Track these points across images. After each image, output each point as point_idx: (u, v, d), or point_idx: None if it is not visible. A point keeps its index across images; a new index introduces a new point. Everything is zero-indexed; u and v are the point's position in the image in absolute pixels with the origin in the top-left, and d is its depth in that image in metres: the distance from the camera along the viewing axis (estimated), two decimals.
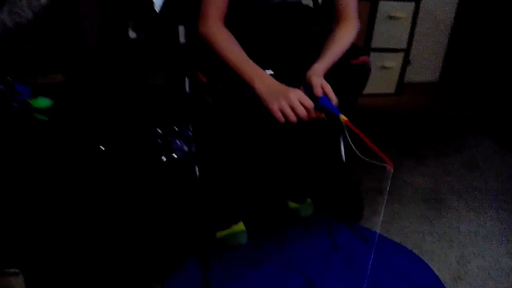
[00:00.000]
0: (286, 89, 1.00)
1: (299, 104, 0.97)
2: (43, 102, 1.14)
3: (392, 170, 0.81)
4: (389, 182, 0.81)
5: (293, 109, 0.97)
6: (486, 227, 1.47)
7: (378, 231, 1.36)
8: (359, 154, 0.87)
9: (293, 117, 0.98)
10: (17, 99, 1.11)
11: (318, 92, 1.00)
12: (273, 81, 1.03)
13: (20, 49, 1.52)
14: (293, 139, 1.44)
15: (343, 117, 0.95)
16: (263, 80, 1.03)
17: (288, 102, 0.97)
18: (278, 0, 1.28)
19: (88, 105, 1.19)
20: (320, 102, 0.99)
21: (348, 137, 0.92)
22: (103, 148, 0.97)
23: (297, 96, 0.98)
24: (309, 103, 0.98)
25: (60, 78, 1.38)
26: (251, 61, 1.07)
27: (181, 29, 1.29)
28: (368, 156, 0.84)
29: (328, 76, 1.06)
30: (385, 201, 0.88)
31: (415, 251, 1.32)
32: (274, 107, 0.99)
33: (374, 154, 0.83)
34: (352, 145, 0.90)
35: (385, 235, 1.39)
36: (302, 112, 0.97)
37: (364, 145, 0.86)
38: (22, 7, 1.48)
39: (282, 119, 0.99)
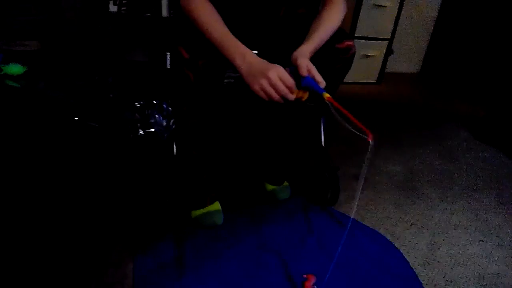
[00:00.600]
0: (266, 67, 0.98)
1: (280, 82, 0.96)
2: (15, 68, 1.09)
3: (372, 141, 0.83)
4: (370, 155, 0.82)
5: (274, 87, 0.97)
6: (457, 216, 1.51)
7: (352, 216, 1.38)
8: (347, 125, 0.88)
9: (275, 96, 0.97)
10: None
11: (304, 72, 0.99)
12: (255, 58, 1.01)
13: None
14: (273, 121, 1.43)
15: (326, 95, 0.94)
16: (245, 57, 1.01)
17: (269, 81, 0.96)
18: None
19: (64, 75, 1.15)
20: (304, 81, 0.99)
21: (334, 113, 0.92)
22: (77, 119, 0.94)
23: (277, 73, 0.97)
24: (290, 81, 0.97)
25: (36, 45, 1.33)
26: (233, 38, 1.04)
27: (164, 1, 1.25)
28: (349, 135, 0.84)
29: (313, 58, 1.05)
30: (363, 176, 0.89)
31: (387, 236, 1.35)
32: (256, 87, 0.98)
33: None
34: (339, 118, 0.90)
35: (359, 220, 1.41)
36: (283, 90, 0.97)
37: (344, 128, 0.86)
38: None
39: (265, 97, 0.98)
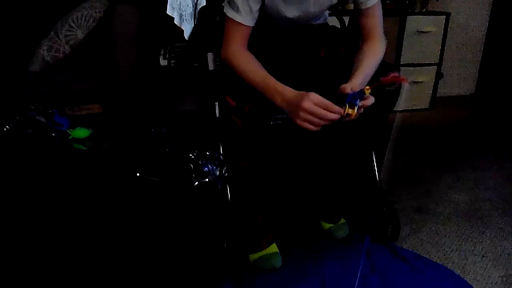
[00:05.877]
0: (299, 99, 0.99)
1: (315, 107, 0.97)
2: (81, 132, 1.20)
3: (407, 84, 0.99)
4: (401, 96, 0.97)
5: (313, 114, 0.97)
6: None
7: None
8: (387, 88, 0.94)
9: (319, 121, 0.98)
10: (56, 130, 1.18)
11: (347, 90, 1.00)
12: (292, 94, 1.03)
13: (57, 81, 1.61)
14: (325, 157, 1.43)
15: (366, 88, 0.99)
16: (283, 96, 1.04)
17: (305, 110, 0.97)
18: (304, 23, 1.30)
19: (124, 133, 1.24)
20: (348, 97, 0.99)
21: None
22: (138, 175, 1.00)
23: (310, 101, 0.97)
24: (326, 102, 0.98)
25: (98, 109, 1.45)
26: (273, 79, 1.08)
27: (210, 56, 1.33)
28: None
29: None
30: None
31: (457, 271, 1.27)
32: (298, 122, 1.00)
33: None
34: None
35: (425, 255, 1.35)
36: (321, 113, 0.97)
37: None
38: (61, 42, 1.57)
39: (310, 127, 0.99)
